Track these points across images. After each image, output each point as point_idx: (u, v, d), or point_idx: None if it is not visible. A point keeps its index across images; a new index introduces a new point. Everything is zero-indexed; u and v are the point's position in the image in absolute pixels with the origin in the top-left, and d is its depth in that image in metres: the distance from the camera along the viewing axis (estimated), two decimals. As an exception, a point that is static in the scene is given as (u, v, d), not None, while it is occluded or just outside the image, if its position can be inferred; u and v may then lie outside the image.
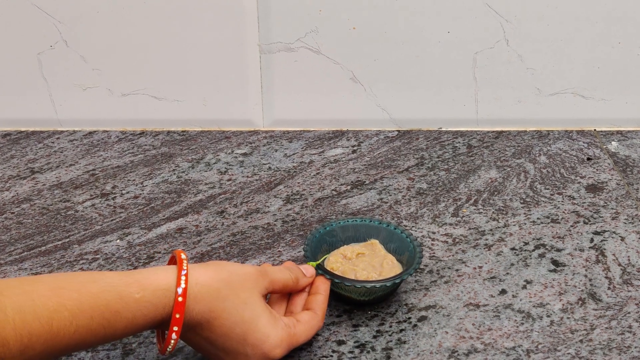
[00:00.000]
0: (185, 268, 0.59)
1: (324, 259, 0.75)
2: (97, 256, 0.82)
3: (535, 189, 0.94)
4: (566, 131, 1.09)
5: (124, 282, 0.57)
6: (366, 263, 0.74)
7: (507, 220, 0.88)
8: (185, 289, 0.58)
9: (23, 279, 0.54)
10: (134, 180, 0.98)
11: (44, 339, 0.52)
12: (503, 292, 0.76)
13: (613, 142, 1.06)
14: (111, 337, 0.56)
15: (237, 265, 0.64)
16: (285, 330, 0.63)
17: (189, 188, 0.96)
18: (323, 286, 0.70)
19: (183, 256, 0.60)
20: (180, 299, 0.57)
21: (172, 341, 0.58)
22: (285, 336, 0.63)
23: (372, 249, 0.77)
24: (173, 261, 0.63)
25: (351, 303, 0.74)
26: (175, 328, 0.58)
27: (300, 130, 1.10)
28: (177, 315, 0.57)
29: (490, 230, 0.86)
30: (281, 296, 0.69)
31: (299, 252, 0.83)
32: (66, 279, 0.56)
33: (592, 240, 0.84)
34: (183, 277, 0.58)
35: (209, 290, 0.60)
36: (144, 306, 0.57)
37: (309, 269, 0.70)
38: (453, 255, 0.82)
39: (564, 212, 0.89)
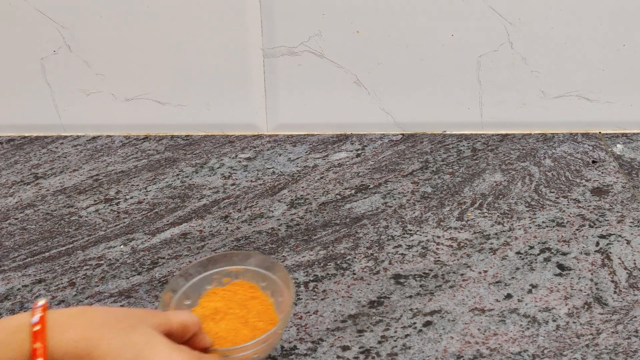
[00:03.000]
0: (41, 304, 0.51)
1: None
2: (101, 262, 0.82)
3: (540, 192, 0.94)
4: (571, 134, 1.09)
5: None
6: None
7: (512, 224, 0.87)
8: (42, 317, 0.50)
9: None
10: (137, 185, 0.98)
11: None
12: (508, 296, 0.76)
13: (618, 145, 1.05)
14: None
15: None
16: (190, 352, 0.53)
17: (193, 193, 0.96)
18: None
19: (41, 302, 0.52)
20: (37, 327, 0.49)
21: None
22: (193, 357, 0.53)
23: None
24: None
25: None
26: None
27: (304, 134, 1.10)
28: (37, 345, 0.49)
29: (496, 234, 0.86)
30: None
31: (304, 257, 0.82)
32: None
33: (597, 243, 0.84)
34: (39, 309, 0.50)
35: (81, 318, 0.51)
36: (1, 351, 0.49)
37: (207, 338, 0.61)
38: (458, 260, 0.82)
39: (569, 215, 0.89)
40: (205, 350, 0.59)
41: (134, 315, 0.53)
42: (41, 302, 0.51)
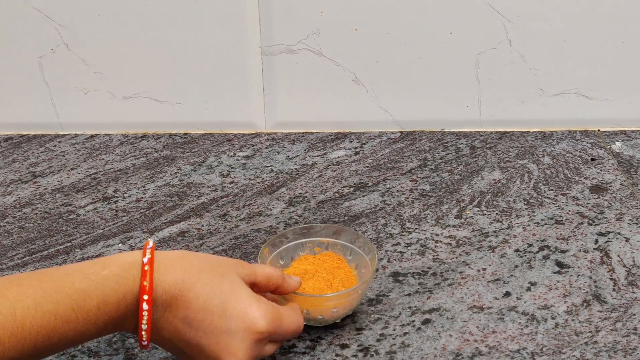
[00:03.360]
0: (150, 245, 0.57)
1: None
2: (99, 260, 0.82)
3: (539, 190, 0.94)
4: (570, 132, 1.08)
5: (90, 264, 0.56)
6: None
7: (510, 222, 0.87)
8: (151, 259, 0.56)
9: None
10: (135, 183, 0.97)
11: (10, 331, 0.50)
12: (507, 294, 0.76)
13: (617, 143, 1.05)
14: (84, 321, 0.54)
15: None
16: (270, 305, 0.59)
17: (191, 191, 0.95)
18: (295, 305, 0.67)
19: (150, 243, 0.58)
20: (146, 267, 0.55)
21: (145, 313, 0.55)
22: (270, 310, 0.59)
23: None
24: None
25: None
26: (145, 297, 0.55)
27: (303, 132, 1.10)
28: (145, 283, 0.55)
29: (494, 231, 0.86)
30: None
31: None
32: (29, 273, 0.55)
33: (596, 241, 0.84)
34: (148, 250, 0.57)
35: (181, 262, 0.58)
36: (113, 280, 0.55)
37: (295, 277, 0.68)
38: (457, 258, 0.81)
39: (568, 213, 0.89)
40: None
41: (226, 264, 0.60)
42: (150, 243, 0.58)
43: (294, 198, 0.93)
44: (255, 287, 0.62)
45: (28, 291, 0.52)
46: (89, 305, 0.54)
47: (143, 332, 0.56)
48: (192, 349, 0.58)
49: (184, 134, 1.10)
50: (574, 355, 0.67)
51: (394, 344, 0.69)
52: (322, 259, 0.75)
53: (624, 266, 0.79)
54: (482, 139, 1.07)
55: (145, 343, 0.57)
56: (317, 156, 1.03)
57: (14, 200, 0.94)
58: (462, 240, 0.84)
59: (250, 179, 0.98)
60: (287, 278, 0.66)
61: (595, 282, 0.77)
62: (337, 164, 1.01)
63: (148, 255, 0.56)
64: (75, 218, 0.90)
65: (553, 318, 0.72)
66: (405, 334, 0.71)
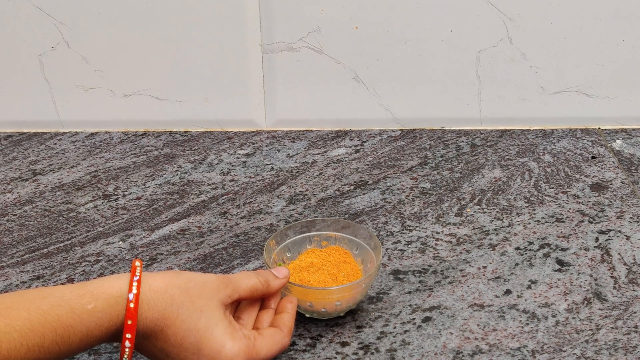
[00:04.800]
0: (137, 274, 0.58)
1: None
2: (100, 258, 0.82)
3: (539, 188, 0.94)
4: (570, 130, 1.08)
5: (76, 295, 0.56)
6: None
7: (511, 220, 0.87)
8: (137, 295, 0.57)
9: None
10: (136, 181, 0.97)
11: None
12: (508, 292, 0.76)
13: (617, 141, 1.05)
14: (66, 353, 0.55)
15: (197, 274, 0.62)
16: (244, 342, 0.60)
17: (192, 189, 0.95)
18: (290, 305, 0.67)
19: (137, 263, 0.59)
20: (132, 304, 0.56)
21: (127, 350, 0.57)
22: (243, 347, 0.60)
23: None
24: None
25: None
26: (128, 335, 0.56)
27: (303, 130, 1.10)
28: (129, 322, 0.56)
29: (495, 229, 0.86)
30: (252, 307, 0.67)
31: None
32: (14, 298, 0.55)
33: (597, 239, 0.84)
34: (135, 283, 0.57)
35: (163, 296, 0.58)
36: (97, 317, 0.56)
37: (281, 270, 0.68)
38: (457, 256, 0.81)
39: (568, 211, 0.89)
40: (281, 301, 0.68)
41: (207, 293, 0.61)
42: (138, 270, 0.58)
43: (295, 196, 0.93)
44: (241, 299, 0.65)
45: (15, 324, 0.52)
46: (73, 339, 0.55)
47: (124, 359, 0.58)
48: None
49: (185, 132, 1.10)
50: (574, 353, 0.67)
51: (395, 342, 0.69)
52: (329, 252, 0.76)
53: (625, 264, 0.79)
54: (482, 137, 1.07)
55: None
56: (318, 154, 1.03)
57: (15, 198, 0.94)
58: (462, 238, 0.84)
59: (250, 177, 0.98)
60: (272, 281, 0.67)
61: (595, 280, 0.77)
62: (337, 162, 1.01)
63: (134, 291, 0.57)
64: (75, 216, 0.90)
65: (554, 316, 0.72)
66: (405, 331, 0.71)
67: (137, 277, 0.58)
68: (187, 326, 0.58)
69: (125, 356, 0.57)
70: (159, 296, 0.58)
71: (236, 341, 0.60)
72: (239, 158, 1.03)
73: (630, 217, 0.87)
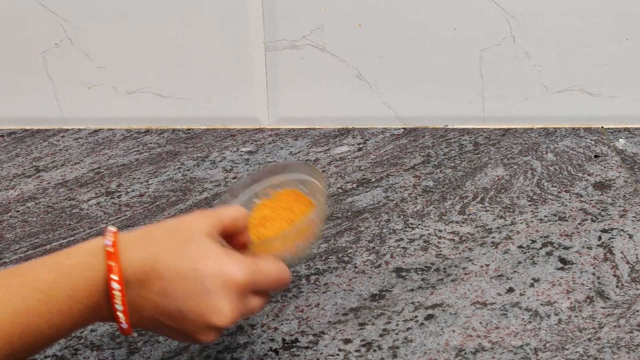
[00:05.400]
0: (111, 229, 0.56)
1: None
2: (102, 254, 0.82)
3: (542, 186, 0.94)
4: (573, 128, 1.08)
5: (51, 256, 0.55)
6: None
7: (514, 218, 0.87)
8: (114, 241, 0.54)
9: None
10: (139, 178, 0.97)
11: None
12: (510, 290, 0.76)
13: (620, 140, 1.05)
14: (57, 313, 0.53)
15: (175, 218, 0.59)
16: (243, 260, 0.56)
17: (194, 186, 0.95)
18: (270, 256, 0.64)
19: (112, 228, 0.57)
20: (111, 249, 0.54)
21: (116, 293, 0.54)
22: (245, 260, 0.56)
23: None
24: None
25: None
26: (115, 277, 0.53)
27: (306, 128, 1.10)
28: (112, 263, 0.53)
29: (497, 228, 0.86)
30: None
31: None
32: None
33: (600, 238, 0.84)
34: (109, 233, 0.55)
35: (144, 238, 0.56)
36: (79, 267, 0.54)
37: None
38: (460, 254, 0.81)
39: (571, 209, 0.89)
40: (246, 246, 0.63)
41: (187, 226, 0.57)
42: (112, 228, 0.56)
43: (297, 193, 0.93)
44: (227, 232, 0.60)
45: None
46: (59, 295, 0.53)
47: (119, 314, 0.54)
48: (176, 320, 0.56)
49: (187, 129, 1.10)
50: (577, 352, 0.67)
51: (397, 339, 0.69)
52: (278, 198, 0.73)
53: (628, 263, 0.79)
54: (485, 136, 1.07)
55: (125, 326, 0.55)
56: (320, 152, 1.03)
57: (17, 195, 0.94)
58: (465, 237, 0.84)
59: (253, 175, 0.98)
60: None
61: (598, 278, 0.77)
62: (340, 159, 1.01)
63: (111, 239, 0.55)
64: (78, 212, 0.90)
65: (556, 314, 0.72)
66: (408, 329, 0.71)
67: (112, 230, 0.56)
68: (178, 255, 0.55)
69: (117, 301, 0.54)
70: (139, 239, 0.56)
71: (234, 257, 0.56)
72: (241, 155, 1.03)
73: (633, 216, 0.87)
